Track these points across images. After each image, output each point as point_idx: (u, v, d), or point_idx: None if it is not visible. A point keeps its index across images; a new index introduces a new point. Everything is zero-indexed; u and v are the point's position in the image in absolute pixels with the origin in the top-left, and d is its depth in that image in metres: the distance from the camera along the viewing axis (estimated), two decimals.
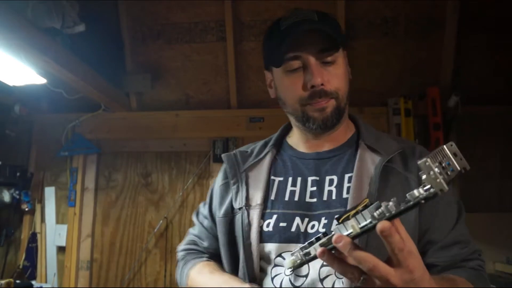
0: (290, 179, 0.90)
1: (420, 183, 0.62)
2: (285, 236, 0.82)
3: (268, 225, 0.85)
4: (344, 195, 0.83)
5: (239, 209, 0.88)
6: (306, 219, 0.83)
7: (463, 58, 2.62)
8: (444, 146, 0.54)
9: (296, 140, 0.97)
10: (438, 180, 0.50)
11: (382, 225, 0.53)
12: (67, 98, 2.62)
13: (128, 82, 2.73)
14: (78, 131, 2.78)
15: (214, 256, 0.99)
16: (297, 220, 0.83)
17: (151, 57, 2.77)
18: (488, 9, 2.54)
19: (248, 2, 2.62)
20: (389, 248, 0.54)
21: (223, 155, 1.00)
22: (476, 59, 2.65)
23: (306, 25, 0.83)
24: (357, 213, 0.57)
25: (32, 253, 2.70)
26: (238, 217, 0.88)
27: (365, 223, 0.56)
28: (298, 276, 0.80)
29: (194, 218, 1.09)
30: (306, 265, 0.77)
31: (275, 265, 0.83)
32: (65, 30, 2.10)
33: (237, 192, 0.91)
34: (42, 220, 2.78)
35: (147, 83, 2.71)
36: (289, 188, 0.89)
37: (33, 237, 2.73)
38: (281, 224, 0.83)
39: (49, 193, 2.81)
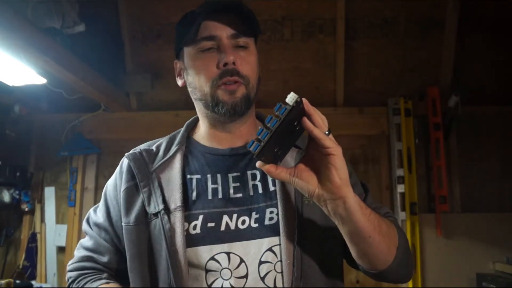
0: (209, 176, 0.85)
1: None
2: (216, 237, 0.78)
3: (195, 227, 0.79)
4: (271, 188, 0.83)
5: (155, 214, 0.80)
6: (235, 216, 0.80)
7: (463, 58, 2.63)
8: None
9: (204, 135, 0.91)
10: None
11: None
12: (67, 98, 2.62)
13: (128, 82, 2.73)
14: (78, 131, 2.78)
15: (115, 273, 0.90)
16: (226, 218, 0.80)
17: (151, 57, 2.77)
18: (488, 9, 2.54)
19: (247, 2, 2.59)
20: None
21: (127, 154, 0.91)
22: (476, 59, 2.65)
23: (221, 3, 0.83)
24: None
25: (32, 253, 2.70)
26: (155, 223, 0.80)
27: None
28: (237, 278, 0.77)
29: (86, 228, 0.95)
30: (244, 265, 0.77)
31: (208, 271, 0.78)
32: (65, 30, 2.10)
33: (149, 196, 0.83)
34: (42, 220, 2.78)
35: (147, 83, 2.71)
36: (210, 186, 0.84)
37: (33, 237, 2.73)
38: (209, 225, 0.79)
39: (49, 193, 2.80)
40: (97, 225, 0.92)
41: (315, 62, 2.72)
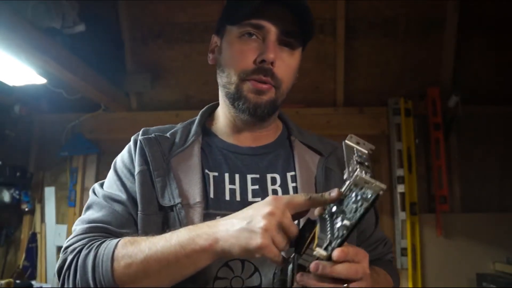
0: (226, 175, 0.79)
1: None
2: None
3: None
4: None
5: (171, 207, 0.73)
6: None
7: (463, 58, 2.63)
8: (348, 142, 0.59)
9: (223, 128, 0.86)
10: (374, 184, 0.50)
11: (337, 254, 0.55)
12: (67, 98, 2.62)
13: (128, 82, 2.73)
14: (78, 131, 2.78)
15: None
16: None
17: (151, 57, 2.77)
18: (488, 9, 2.54)
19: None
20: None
21: (142, 138, 0.81)
22: (476, 59, 2.65)
23: None
24: (313, 237, 0.58)
25: (32, 253, 2.70)
26: (169, 217, 0.73)
27: (326, 244, 0.57)
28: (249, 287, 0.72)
29: (93, 198, 0.79)
30: (257, 274, 0.73)
31: (218, 278, 0.71)
32: (65, 30, 2.11)
33: (164, 187, 0.75)
34: (42, 220, 2.78)
35: (147, 83, 2.71)
36: (227, 186, 0.78)
37: (33, 237, 2.72)
38: None
39: (49, 193, 2.80)
40: (109, 197, 0.77)
41: (315, 62, 2.72)
